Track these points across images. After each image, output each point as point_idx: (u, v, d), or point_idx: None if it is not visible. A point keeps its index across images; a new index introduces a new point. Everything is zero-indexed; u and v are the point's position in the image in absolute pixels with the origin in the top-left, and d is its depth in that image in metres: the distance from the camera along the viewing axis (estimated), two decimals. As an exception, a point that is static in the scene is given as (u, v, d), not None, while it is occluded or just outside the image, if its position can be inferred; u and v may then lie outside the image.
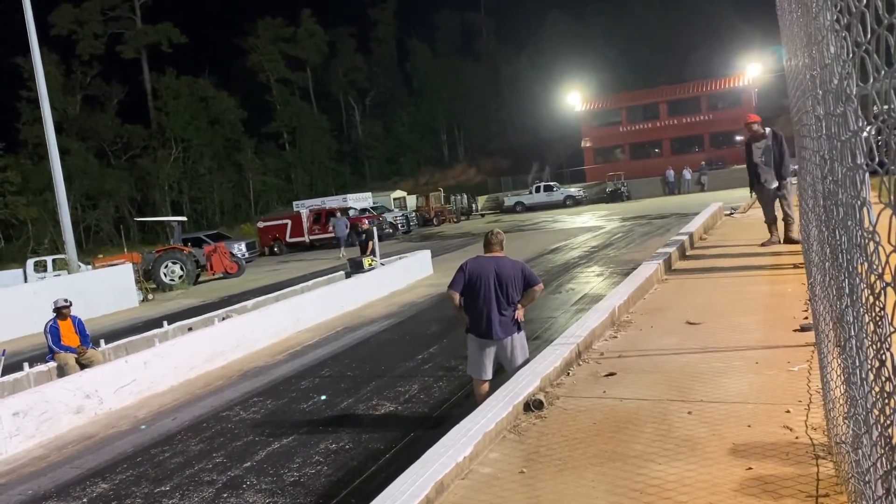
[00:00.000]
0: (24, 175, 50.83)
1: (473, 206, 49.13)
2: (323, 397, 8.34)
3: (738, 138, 48.60)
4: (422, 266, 18.51)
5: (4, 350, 10.54)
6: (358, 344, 11.47)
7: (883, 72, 1.56)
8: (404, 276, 17.27)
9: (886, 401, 1.71)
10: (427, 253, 19.42)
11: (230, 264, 25.54)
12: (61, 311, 10.55)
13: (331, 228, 32.54)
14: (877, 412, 1.85)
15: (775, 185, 10.37)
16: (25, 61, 44.09)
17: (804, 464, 3.46)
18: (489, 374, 6.09)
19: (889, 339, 1.65)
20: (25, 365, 10.15)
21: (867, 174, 1.89)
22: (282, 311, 12.97)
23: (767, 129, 10.43)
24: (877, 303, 1.74)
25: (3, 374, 9.68)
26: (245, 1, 78.47)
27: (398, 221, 38.93)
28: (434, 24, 77.91)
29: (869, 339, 1.89)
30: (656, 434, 4.11)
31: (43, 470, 7.23)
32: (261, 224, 39.13)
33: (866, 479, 2.13)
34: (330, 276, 17.70)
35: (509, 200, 47.84)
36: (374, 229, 19.99)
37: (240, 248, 28.38)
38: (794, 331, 5.80)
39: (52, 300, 10.80)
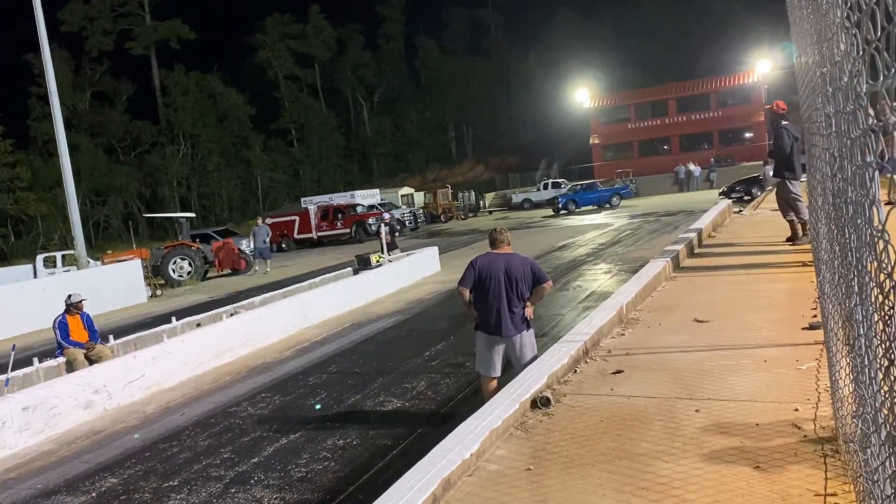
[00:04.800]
0: (34, 171, 51.09)
1: (481, 203, 49.11)
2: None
3: (748, 135, 48.53)
4: (429, 263, 18.51)
5: (14, 345, 10.59)
6: (365, 340, 11.49)
7: (893, 69, 1.55)
8: (412, 273, 17.28)
9: (895, 399, 1.70)
10: (434, 250, 19.42)
11: (238, 260, 25.59)
12: (76, 306, 10.59)
13: (249, 240, 26.48)
14: (885, 411, 1.84)
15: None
16: (35, 58, 44.25)
17: (812, 462, 3.45)
18: (497, 372, 6.08)
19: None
20: (35, 360, 10.22)
21: (877, 172, 1.88)
22: (290, 308, 13.00)
23: (784, 123, 10.11)
24: (886, 301, 1.73)
25: (13, 369, 9.73)
26: (253, -3, 78.70)
27: (406, 218, 38.94)
28: (442, 21, 77.94)
29: (878, 337, 1.88)
30: (664, 432, 4.11)
31: (52, 464, 7.28)
32: (269, 220, 39.15)
33: (875, 478, 2.12)
34: (337, 272, 17.73)
35: (517, 197, 47.77)
36: (382, 224, 19.99)
37: (248, 245, 28.43)
38: (803, 329, 5.78)
39: (66, 295, 10.81)
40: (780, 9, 5.07)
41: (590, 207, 38.39)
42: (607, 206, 38.04)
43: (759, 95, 47.63)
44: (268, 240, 25.37)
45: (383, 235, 19.11)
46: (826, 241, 3.42)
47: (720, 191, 33.66)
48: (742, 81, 48.39)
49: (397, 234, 18.60)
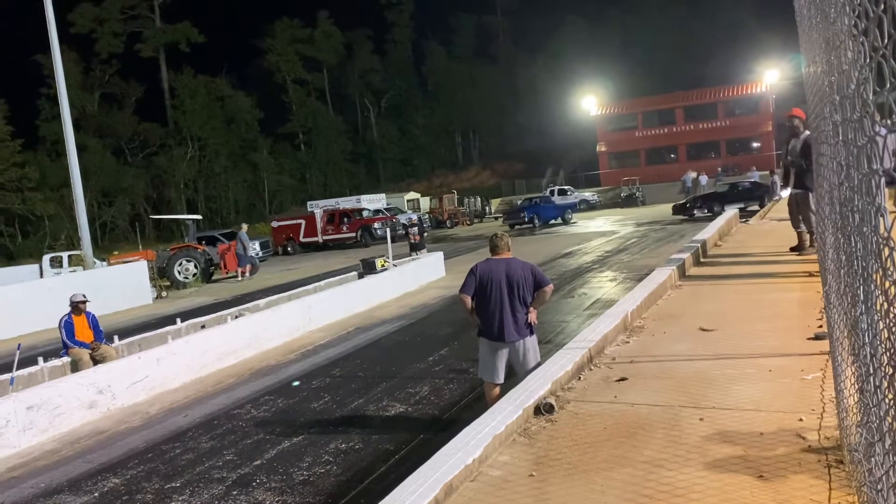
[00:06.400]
0: (43, 171, 51.37)
1: (487, 208, 49.12)
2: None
3: (755, 144, 48.46)
4: (434, 268, 18.52)
5: (20, 344, 10.62)
6: (369, 344, 11.49)
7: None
8: (416, 278, 17.29)
9: (900, 409, 1.70)
10: (440, 255, 19.43)
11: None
12: (78, 306, 10.63)
13: (240, 246, 24.90)
14: (890, 420, 1.83)
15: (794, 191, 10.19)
16: (45, 59, 44.46)
17: (816, 472, 3.43)
18: (501, 378, 6.07)
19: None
20: (40, 359, 10.24)
21: (883, 180, 1.87)
22: (294, 311, 13.01)
23: (806, 132, 9.90)
24: (891, 310, 1.72)
25: (18, 368, 9.75)
26: (263, 2, 79.15)
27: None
28: (450, 27, 78.01)
29: (883, 346, 1.88)
30: (667, 440, 4.09)
31: (55, 464, 7.29)
32: (275, 223, 39.22)
33: (878, 487, 2.11)
34: (342, 276, 17.74)
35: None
36: (388, 228, 20.15)
37: (254, 248, 28.45)
38: (809, 339, 5.76)
39: (69, 295, 10.86)
40: (788, 19, 5.07)
41: (551, 222, 35.90)
42: (559, 221, 35.76)
43: (767, 105, 47.61)
44: (248, 245, 25.25)
45: (389, 242, 19.22)
46: (833, 251, 3.42)
47: (675, 205, 30.69)
48: (750, 91, 48.39)
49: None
